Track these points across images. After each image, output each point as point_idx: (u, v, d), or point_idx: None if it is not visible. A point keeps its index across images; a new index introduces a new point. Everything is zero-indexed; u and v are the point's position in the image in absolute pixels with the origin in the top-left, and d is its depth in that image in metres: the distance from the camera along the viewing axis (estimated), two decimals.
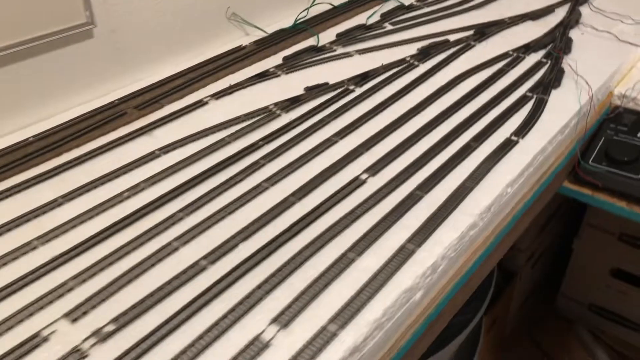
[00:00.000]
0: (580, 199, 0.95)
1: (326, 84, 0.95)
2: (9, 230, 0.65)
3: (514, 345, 1.65)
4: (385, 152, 0.78)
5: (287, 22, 1.16)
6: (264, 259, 0.61)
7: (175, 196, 0.70)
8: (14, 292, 0.57)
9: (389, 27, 1.17)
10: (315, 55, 1.05)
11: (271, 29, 1.13)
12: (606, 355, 1.64)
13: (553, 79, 0.95)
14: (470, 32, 1.13)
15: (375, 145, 0.80)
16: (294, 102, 0.90)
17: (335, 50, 1.07)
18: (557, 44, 1.07)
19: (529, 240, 1.48)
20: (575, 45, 1.07)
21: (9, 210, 0.67)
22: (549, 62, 1.01)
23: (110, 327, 0.53)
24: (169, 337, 0.52)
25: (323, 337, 0.52)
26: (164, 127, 0.84)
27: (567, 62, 1.01)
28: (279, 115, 0.87)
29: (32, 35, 0.80)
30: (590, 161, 0.94)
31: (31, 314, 0.55)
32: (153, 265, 0.60)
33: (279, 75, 0.98)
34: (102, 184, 0.72)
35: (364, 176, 0.73)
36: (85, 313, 0.55)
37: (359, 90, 0.93)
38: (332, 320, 0.54)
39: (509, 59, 1.03)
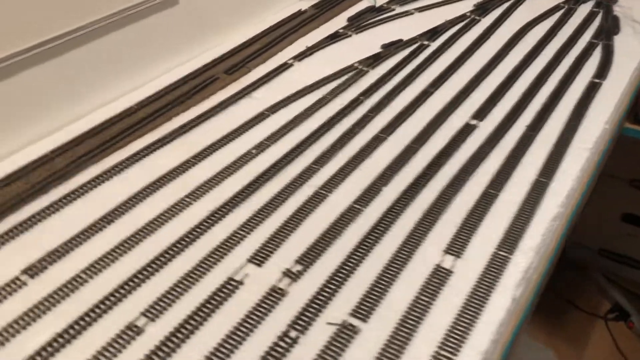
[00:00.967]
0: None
1: (400, 40, 0.98)
2: (159, 188, 0.67)
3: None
4: (483, 99, 0.82)
5: None
6: (410, 200, 0.64)
7: (302, 151, 0.73)
8: (185, 247, 0.59)
9: None
10: (377, 15, 1.07)
11: None
12: (623, 297, 1.72)
13: (612, 26, 1.00)
14: None
15: (471, 94, 0.83)
16: (376, 59, 0.93)
17: (394, 10, 1.10)
18: None
19: None
20: None
21: (139, 175, 0.69)
22: (601, 11, 1.06)
23: (297, 268, 0.56)
24: (356, 272, 0.56)
25: (497, 263, 0.56)
26: (260, 90, 0.86)
27: (617, 9, 1.06)
28: (366, 72, 0.90)
29: (126, 5, 0.81)
30: None
31: (216, 261, 0.57)
32: (310, 211, 0.63)
33: (350, 36, 1.01)
34: (224, 144, 0.74)
35: (473, 122, 0.77)
36: (265, 257, 0.57)
37: (433, 45, 0.97)
38: (500, 247, 0.58)
39: (562, 11, 1.07)
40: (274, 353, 0.48)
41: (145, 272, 0.56)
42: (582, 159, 0.70)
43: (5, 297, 0.53)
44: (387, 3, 1.12)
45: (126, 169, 0.70)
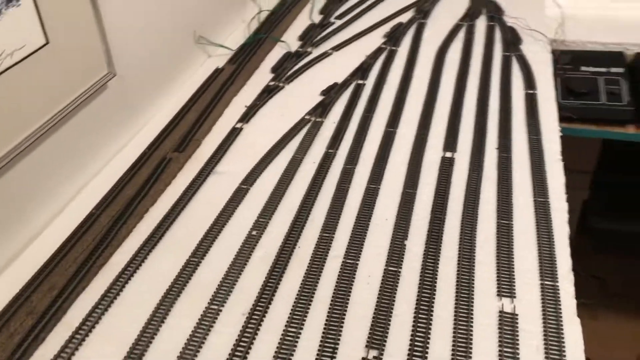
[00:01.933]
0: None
1: (336, 84, 0.97)
2: (173, 302, 0.59)
3: None
4: (443, 130, 0.84)
5: (234, 37, 1.15)
6: (437, 249, 0.64)
7: (304, 221, 0.69)
8: None
9: (335, 21, 1.21)
10: (297, 60, 1.06)
11: (228, 44, 1.11)
12: None
13: (514, 38, 1.09)
14: (413, 11, 1.22)
15: (430, 127, 0.86)
16: (323, 107, 0.91)
17: (311, 52, 1.09)
18: (487, 7, 1.21)
19: None
20: (503, 6, 1.22)
21: (143, 293, 0.61)
22: (496, 24, 1.15)
23: (373, 353, 0.53)
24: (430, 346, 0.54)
25: (549, 294, 0.58)
26: (222, 163, 0.81)
27: (509, 20, 1.16)
28: (320, 122, 0.88)
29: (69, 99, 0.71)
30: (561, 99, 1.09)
31: None
32: (346, 284, 0.60)
33: (283, 87, 0.98)
34: (218, 233, 0.68)
35: (448, 154, 0.79)
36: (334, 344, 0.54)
37: (369, 83, 0.98)
38: (543, 277, 0.60)
39: (464, 29, 1.14)
40: None
41: None
42: (561, 170, 0.75)
43: None
44: (301, 47, 1.11)
45: (121, 292, 0.62)
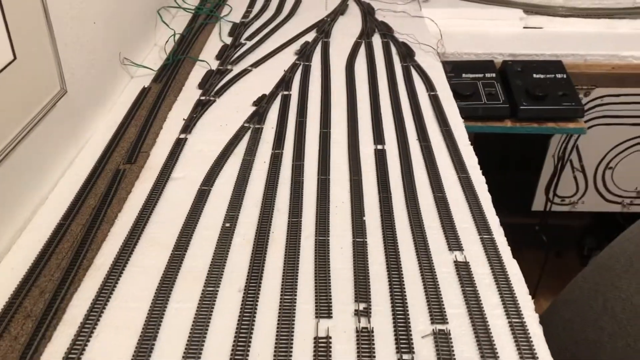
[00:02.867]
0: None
1: (264, 95, 1.06)
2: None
3: None
4: (369, 127, 0.96)
5: (150, 59, 1.20)
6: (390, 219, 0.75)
7: (271, 211, 0.77)
8: None
9: (246, 42, 1.30)
10: (221, 77, 1.13)
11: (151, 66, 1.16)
12: None
13: (407, 51, 1.25)
14: (315, 32, 1.35)
15: (358, 127, 0.97)
16: (259, 115, 0.99)
17: (232, 70, 1.17)
18: (378, 27, 1.37)
19: None
20: (392, 26, 1.38)
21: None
22: (389, 40, 1.31)
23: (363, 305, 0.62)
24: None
25: (489, 245, 0.71)
26: (176, 169, 0.85)
27: (400, 36, 1.32)
28: (259, 128, 0.96)
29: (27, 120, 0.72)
30: None
31: None
32: (322, 256, 0.69)
33: (215, 101, 1.05)
34: (188, 235, 0.73)
35: (379, 147, 0.91)
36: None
37: (294, 93, 1.07)
38: (481, 232, 0.73)
39: (363, 45, 1.28)
40: None
41: None
42: (472, 152, 0.90)
43: None
44: (220, 65, 1.18)
45: (116, 287, 0.65)
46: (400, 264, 0.68)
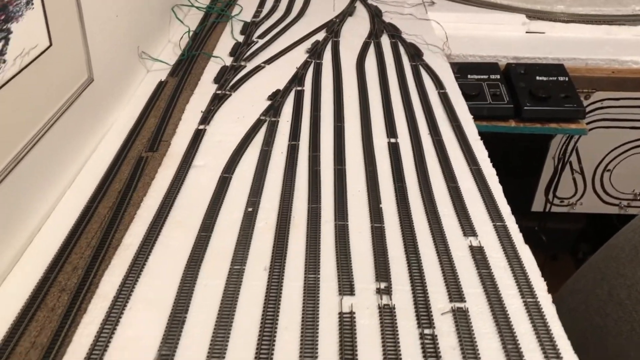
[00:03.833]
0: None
1: (278, 90, 1.09)
2: None
3: None
4: (382, 122, 0.99)
5: (165, 54, 1.23)
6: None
7: (291, 200, 0.79)
8: None
9: (258, 40, 1.33)
10: (235, 73, 1.16)
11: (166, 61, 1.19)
12: None
13: (415, 51, 1.28)
14: (324, 31, 1.38)
15: (371, 121, 1.00)
16: (275, 109, 1.02)
17: (246, 66, 1.20)
18: (386, 28, 1.41)
19: None
20: (400, 27, 1.42)
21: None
22: (397, 41, 1.34)
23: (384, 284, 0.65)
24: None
25: (501, 229, 0.74)
26: (197, 158, 0.88)
27: (408, 37, 1.36)
28: (275, 121, 0.99)
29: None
30: None
31: None
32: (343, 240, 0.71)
33: (230, 95, 1.08)
34: (209, 226, 0.76)
35: (392, 140, 0.94)
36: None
37: (307, 88, 1.10)
38: (495, 220, 0.76)
39: (372, 45, 1.32)
40: None
41: None
42: (482, 146, 0.93)
43: None
44: (234, 61, 1.21)
45: (145, 265, 0.67)
46: (418, 248, 0.71)
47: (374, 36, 1.36)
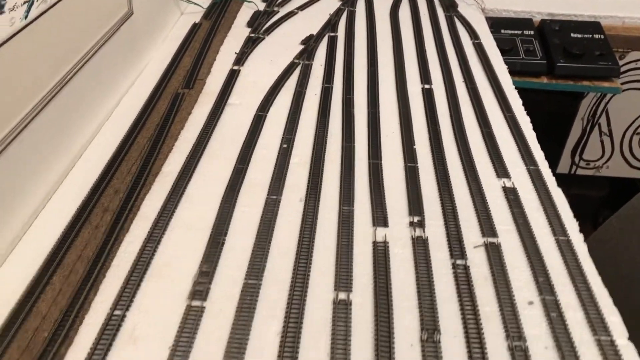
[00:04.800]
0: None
1: (312, 35, 1.09)
2: None
3: None
4: (416, 69, 0.99)
5: None
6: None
7: (326, 138, 0.80)
8: None
9: None
10: (268, 18, 1.16)
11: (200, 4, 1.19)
12: None
13: (450, 1, 1.27)
14: None
15: (404, 68, 1.00)
16: (308, 53, 1.02)
17: (279, 12, 1.19)
18: None
19: None
20: None
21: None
22: None
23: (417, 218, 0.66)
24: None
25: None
26: (232, 97, 0.89)
27: None
28: (308, 64, 0.99)
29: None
30: None
31: None
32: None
33: (264, 38, 1.08)
34: (247, 155, 0.77)
35: (427, 86, 0.94)
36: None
37: (340, 35, 1.10)
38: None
39: None
40: None
41: None
42: (517, 95, 0.93)
43: None
44: (267, 7, 1.21)
45: (185, 191, 0.69)
46: (451, 187, 0.71)
47: None
